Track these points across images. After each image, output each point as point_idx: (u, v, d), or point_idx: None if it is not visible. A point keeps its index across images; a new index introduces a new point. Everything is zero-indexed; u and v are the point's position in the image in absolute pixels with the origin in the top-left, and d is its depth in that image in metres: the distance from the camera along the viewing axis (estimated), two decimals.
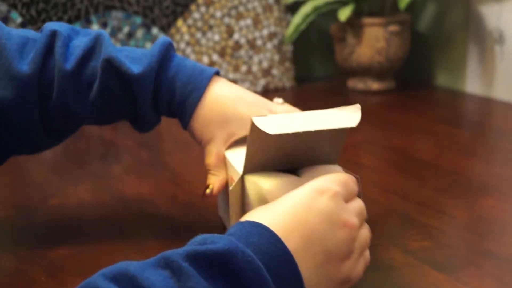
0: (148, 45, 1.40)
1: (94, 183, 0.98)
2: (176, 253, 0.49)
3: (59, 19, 1.32)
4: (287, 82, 1.53)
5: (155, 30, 1.41)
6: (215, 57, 1.46)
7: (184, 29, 1.43)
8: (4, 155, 0.77)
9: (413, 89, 1.50)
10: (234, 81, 1.48)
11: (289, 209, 0.57)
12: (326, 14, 1.52)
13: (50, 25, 0.76)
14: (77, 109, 0.75)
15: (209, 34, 1.45)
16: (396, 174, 1.01)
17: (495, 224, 0.82)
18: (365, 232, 0.61)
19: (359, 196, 0.62)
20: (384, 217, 0.84)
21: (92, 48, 0.75)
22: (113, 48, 0.75)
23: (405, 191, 0.92)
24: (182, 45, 1.43)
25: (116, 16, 1.37)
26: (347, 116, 0.65)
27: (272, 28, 1.50)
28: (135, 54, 0.75)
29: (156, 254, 0.50)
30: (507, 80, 1.37)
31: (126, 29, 1.38)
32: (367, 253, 0.62)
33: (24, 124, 0.74)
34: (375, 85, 1.48)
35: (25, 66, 0.73)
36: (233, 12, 1.46)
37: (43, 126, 0.76)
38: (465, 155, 1.08)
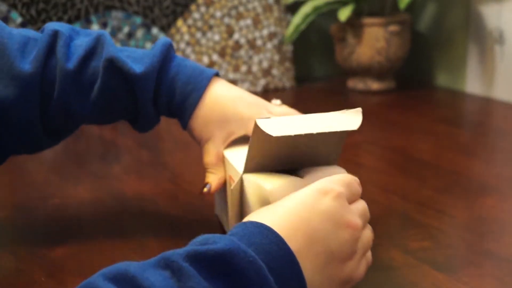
0: (148, 45, 1.40)
1: (94, 183, 0.99)
2: (176, 253, 0.49)
3: (59, 19, 1.32)
4: (287, 82, 1.53)
5: (155, 30, 1.41)
6: (215, 57, 1.46)
7: (184, 29, 1.43)
8: (4, 154, 0.78)
9: (413, 89, 1.50)
10: (234, 81, 1.48)
11: (292, 209, 0.57)
12: (326, 14, 1.52)
13: (51, 25, 0.76)
14: (78, 109, 0.76)
15: (209, 34, 1.45)
16: (396, 174, 1.01)
17: (495, 224, 0.83)
18: (367, 233, 0.61)
19: None
20: (384, 217, 0.84)
21: (94, 48, 0.75)
22: (115, 48, 0.75)
23: (405, 191, 0.92)
24: (182, 45, 1.43)
25: (116, 16, 1.37)
26: (348, 119, 0.65)
27: (272, 28, 1.50)
28: (136, 54, 0.76)
29: (156, 254, 0.50)
30: (507, 80, 1.37)
31: (126, 29, 1.38)
32: (369, 254, 0.62)
33: (24, 123, 0.75)
34: (375, 85, 1.48)
35: (27, 65, 0.73)
36: (233, 12, 1.46)
37: (43, 125, 0.76)
38: (465, 155, 1.08)
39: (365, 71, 1.47)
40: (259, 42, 1.49)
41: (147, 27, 1.40)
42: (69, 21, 1.33)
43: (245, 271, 0.50)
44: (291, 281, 0.53)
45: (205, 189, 0.76)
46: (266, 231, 0.54)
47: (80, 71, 0.75)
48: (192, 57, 1.44)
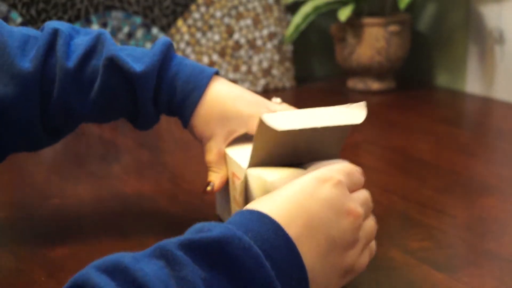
0: (148, 45, 1.40)
1: (94, 183, 0.99)
2: (171, 242, 0.49)
3: (59, 19, 1.32)
4: (287, 82, 1.53)
5: (155, 30, 1.41)
6: (215, 57, 1.46)
7: (184, 29, 1.43)
8: (4, 152, 0.78)
9: (413, 89, 1.50)
10: (234, 81, 1.48)
11: (291, 197, 0.56)
12: (326, 14, 1.52)
13: (52, 24, 0.76)
14: (78, 107, 0.76)
15: (209, 34, 1.45)
16: (396, 174, 1.01)
17: (495, 224, 0.82)
18: (370, 223, 0.60)
19: None
20: (384, 217, 0.84)
21: (94, 46, 0.75)
22: (115, 46, 0.75)
23: (405, 191, 0.92)
24: (182, 45, 1.43)
25: (116, 16, 1.37)
26: (352, 113, 0.65)
27: (272, 28, 1.50)
28: (136, 53, 0.76)
29: None
30: (507, 80, 1.37)
31: (126, 29, 1.38)
32: (372, 244, 0.61)
33: (24, 122, 0.75)
34: (375, 85, 1.48)
35: (27, 63, 0.73)
36: (233, 12, 1.46)
37: (43, 123, 0.76)
38: (465, 155, 1.08)
39: (365, 71, 1.47)
40: (259, 42, 1.49)
41: (147, 27, 1.40)
42: (69, 21, 1.33)
43: (240, 258, 0.49)
44: (291, 269, 0.53)
45: (209, 188, 0.76)
46: (264, 218, 0.53)
47: (80, 69, 0.75)
48: (192, 57, 1.44)
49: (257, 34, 1.49)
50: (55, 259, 0.75)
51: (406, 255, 0.74)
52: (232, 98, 0.76)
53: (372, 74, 1.47)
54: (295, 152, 0.68)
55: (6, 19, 1.28)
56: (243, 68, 1.48)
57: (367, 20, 1.44)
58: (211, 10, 1.45)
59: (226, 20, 1.46)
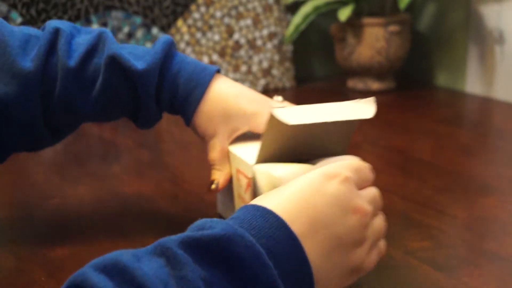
0: (148, 45, 1.40)
1: (94, 183, 0.99)
2: (171, 240, 0.48)
3: (59, 19, 1.32)
4: (287, 82, 1.53)
5: (155, 30, 1.41)
6: (215, 57, 1.46)
7: (184, 29, 1.43)
8: (5, 152, 0.78)
9: (413, 89, 1.50)
10: (234, 81, 1.47)
11: (297, 192, 0.55)
12: (326, 14, 1.52)
13: (53, 23, 0.76)
14: (80, 106, 0.76)
15: (209, 34, 1.45)
16: (396, 174, 1.01)
17: (495, 224, 0.82)
18: (379, 221, 0.59)
19: None
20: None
21: (95, 45, 0.75)
22: (117, 45, 0.75)
23: (405, 191, 0.92)
24: (182, 45, 1.43)
25: (116, 16, 1.37)
26: (361, 108, 0.65)
27: (272, 28, 1.50)
28: (138, 51, 0.76)
29: None
30: (507, 80, 1.37)
31: (126, 29, 1.38)
32: (382, 243, 0.60)
33: (26, 121, 0.75)
34: (375, 85, 1.48)
35: (28, 62, 0.73)
36: (233, 12, 1.46)
37: (44, 123, 0.76)
38: (465, 155, 1.08)
39: (365, 71, 1.47)
40: (259, 42, 1.49)
41: (147, 27, 1.40)
42: (69, 21, 1.33)
43: (241, 256, 0.48)
44: (295, 265, 0.52)
45: (213, 186, 0.77)
46: (268, 214, 0.53)
47: (82, 68, 0.75)
48: (192, 57, 1.44)
49: (257, 34, 1.49)
50: (55, 259, 0.75)
51: (406, 255, 0.74)
52: (234, 95, 0.77)
53: (372, 74, 1.47)
54: (304, 147, 0.68)
55: (6, 19, 1.28)
56: (243, 68, 1.48)
57: (367, 20, 1.44)
58: (211, 10, 1.45)
59: (226, 20, 1.46)
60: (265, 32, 1.50)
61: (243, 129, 0.77)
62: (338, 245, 0.55)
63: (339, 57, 1.50)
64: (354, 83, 1.50)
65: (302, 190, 0.56)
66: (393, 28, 1.43)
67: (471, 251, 0.76)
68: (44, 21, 1.30)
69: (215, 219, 0.52)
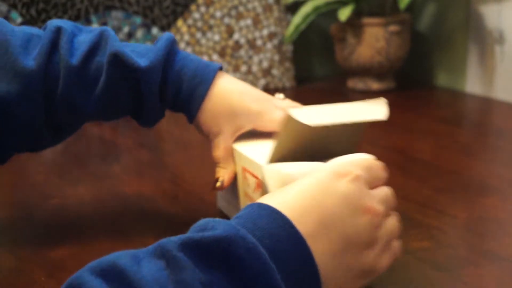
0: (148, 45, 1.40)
1: (94, 183, 0.98)
2: (172, 241, 0.47)
3: (59, 19, 1.32)
4: (287, 82, 1.53)
5: (155, 30, 1.41)
6: (215, 57, 1.46)
7: (184, 29, 1.43)
8: (7, 152, 0.77)
9: (413, 89, 1.50)
10: None
11: (305, 191, 0.54)
12: (326, 14, 1.52)
13: (54, 22, 0.76)
14: (83, 104, 0.76)
15: (209, 34, 1.45)
16: (396, 174, 1.01)
17: (495, 224, 0.82)
18: (392, 221, 0.58)
19: None
20: None
21: (97, 43, 0.75)
22: (119, 43, 0.75)
23: (405, 191, 0.92)
24: (182, 45, 1.43)
25: (116, 16, 1.37)
26: (374, 109, 0.65)
27: (272, 28, 1.50)
28: (140, 49, 0.76)
29: None
30: (507, 80, 1.37)
31: (126, 29, 1.38)
32: (396, 244, 0.58)
33: (28, 121, 0.74)
34: (375, 85, 1.48)
35: (31, 61, 0.73)
36: (233, 12, 1.46)
37: (46, 122, 0.76)
38: (465, 155, 1.08)
39: (365, 71, 1.47)
40: (259, 42, 1.49)
41: (147, 27, 1.40)
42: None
43: (243, 259, 0.47)
44: (301, 267, 0.50)
45: (218, 184, 0.77)
46: (274, 213, 0.51)
47: (84, 66, 0.75)
48: None
49: (257, 34, 1.49)
50: (55, 259, 0.75)
51: (406, 255, 0.74)
52: (238, 93, 0.77)
53: (372, 74, 1.47)
54: (317, 148, 0.68)
55: (6, 19, 1.28)
56: (243, 68, 1.48)
57: (367, 20, 1.44)
58: (211, 10, 1.45)
59: (226, 20, 1.46)
60: (265, 32, 1.50)
61: (247, 127, 0.77)
62: (347, 246, 0.54)
63: (339, 57, 1.50)
64: (354, 83, 1.50)
65: (311, 188, 0.54)
66: (393, 28, 1.43)
67: (471, 251, 0.76)
68: (44, 21, 1.31)
69: (217, 219, 0.50)
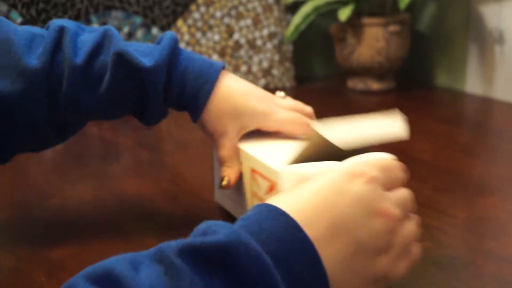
0: None
1: (94, 183, 0.98)
2: (171, 246, 0.46)
3: (59, 19, 1.32)
4: (287, 82, 1.53)
5: (155, 30, 1.41)
6: (215, 57, 1.46)
7: (184, 29, 1.43)
8: (8, 152, 0.77)
9: (413, 89, 1.50)
10: None
11: (316, 192, 0.52)
12: (326, 14, 1.52)
13: (57, 22, 0.76)
14: (86, 103, 0.76)
15: (209, 34, 1.45)
16: None
17: (495, 224, 0.82)
18: (410, 225, 0.55)
19: None
20: None
21: (101, 42, 0.75)
22: (123, 42, 0.76)
23: None
24: (182, 45, 1.43)
25: (116, 16, 1.37)
26: (393, 126, 0.64)
27: (272, 28, 1.50)
28: (143, 48, 0.76)
29: None
30: (507, 80, 1.37)
31: (126, 29, 1.38)
32: (414, 248, 0.56)
33: (31, 120, 0.74)
34: (375, 85, 1.48)
35: (34, 60, 0.73)
36: (233, 12, 1.46)
37: (50, 122, 0.76)
38: (465, 155, 1.08)
39: (365, 71, 1.47)
40: (259, 42, 1.49)
41: (147, 27, 1.40)
42: None
43: (244, 266, 0.45)
44: (308, 273, 0.48)
45: (224, 182, 0.77)
46: (281, 216, 0.49)
47: (88, 65, 0.75)
48: None
49: (257, 34, 1.49)
50: (55, 259, 0.75)
51: None
52: (243, 93, 0.77)
53: (372, 74, 1.47)
54: (336, 153, 0.68)
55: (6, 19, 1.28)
56: (243, 68, 1.48)
57: (367, 20, 1.44)
58: (211, 10, 1.45)
59: (226, 20, 1.46)
60: (265, 32, 1.50)
61: (252, 127, 0.78)
62: (359, 251, 0.51)
63: (339, 57, 1.50)
64: (354, 83, 1.50)
65: (322, 189, 0.52)
66: (393, 28, 1.43)
67: (471, 251, 0.76)
68: (44, 21, 1.31)
69: (220, 222, 0.49)
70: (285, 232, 0.48)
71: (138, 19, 1.39)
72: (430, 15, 1.55)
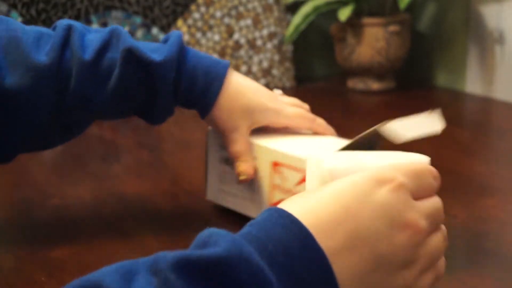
0: None
1: (94, 183, 0.98)
2: (166, 259, 0.42)
3: (59, 19, 1.32)
4: (287, 82, 1.53)
5: (155, 30, 1.41)
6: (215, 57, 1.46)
7: (184, 29, 1.43)
8: (13, 151, 0.77)
9: (413, 89, 1.50)
10: None
11: (336, 198, 0.47)
12: (326, 14, 1.52)
13: (64, 21, 0.77)
14: (95, 100, 0.76)
15: (209, 34, 1.45)
16: None
17: (495, 224, 0.82)
18: (437, 239, 0.51)
19: None
20: None
21: (109, 40, 0.76)
22: (131, 39, 0.76)
23: None
24: None
25: (116, 16, 1.37)
26: (431, 122, 0.66)
27: (272, 28, 1.50)
28: (152, 46, 0.77)
29: None
30: (507, 80, 1.37)
31: (126, 29, 1.38)
32: (440, 263, 0.52)
33: (38, 116, 0.74)
34: (375, 85, 1.48)
35: (43, 57, 0.73)
36: (233, 12, 1.46)
37: (56, 120, 0.76)
38: (465, 155, 1.08)
39: (365, 71, 1.47)
40: (259, 42, 1.49)
41: (147, 27, 1.40)
42: None
43: (242, 281, 0.41)
44: (318, 286, 0.44)
45: (243, 177, 0.78)
46: (292, 224, 0.45)
47: (97, 62, 0.75)
48: None
49: (257, 34, 1.49)
50: (55, 259, 0.75)
51: None
52: (252, 90, 0.79)
53: (372, 74, 1.47)
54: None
55: None
56: (243, 68, 1.48)
57: (367, 20, 1.44)
58: (211, 10, 1.45)
59: (226, 20, 1.46)
60: (265, 32, 1.50)
61: (262, 123, 0.80)
62: (379, 266, 0.47)
63: (339, 57, 1.50)
64: (354, 83, 1.50)
65: (343, 195, 0.47)
66: (393, 28, 1.43)
67: (471, 251, 0.76)
68: (44, 21, 1.31)
69: (223, 231, 0.44)
70: (295, 243, 0.44)
71: (138, 19, 1.39)
72: (430, 15, 1.55)
